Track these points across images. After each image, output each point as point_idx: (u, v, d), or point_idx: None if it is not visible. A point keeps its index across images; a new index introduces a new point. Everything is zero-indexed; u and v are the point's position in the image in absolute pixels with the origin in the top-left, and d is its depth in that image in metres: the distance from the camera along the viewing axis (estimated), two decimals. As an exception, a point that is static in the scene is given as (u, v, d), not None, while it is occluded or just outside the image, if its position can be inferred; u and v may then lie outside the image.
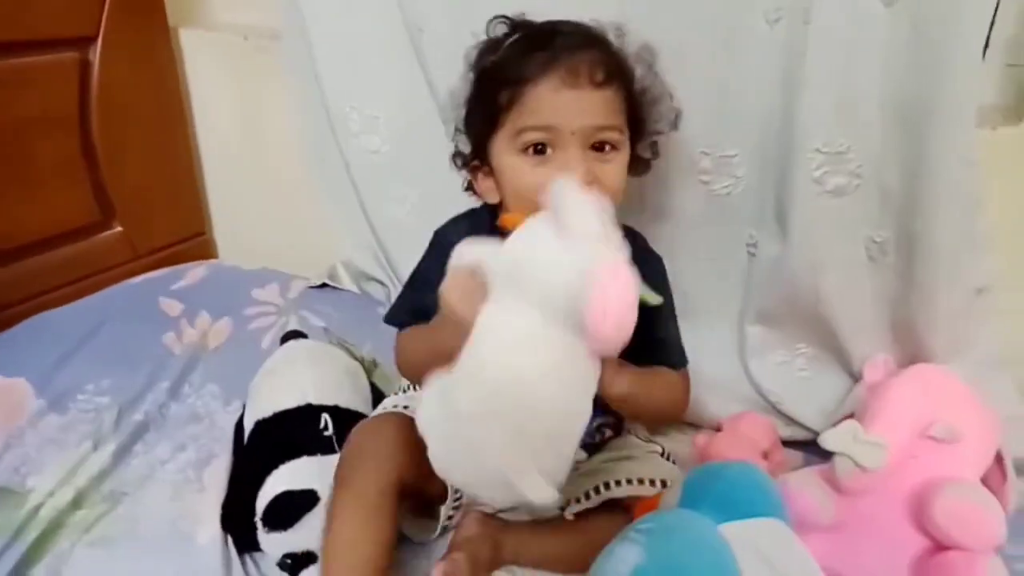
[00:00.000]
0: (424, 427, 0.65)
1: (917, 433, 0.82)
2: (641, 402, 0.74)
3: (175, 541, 0.83)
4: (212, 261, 1.47)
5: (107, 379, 1.06)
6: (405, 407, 0.85)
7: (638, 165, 0.84)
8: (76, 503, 0.87)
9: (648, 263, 0.85)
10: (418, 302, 0.81)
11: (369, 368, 1.11)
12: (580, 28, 0.79)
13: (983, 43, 0.79)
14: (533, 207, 0.66)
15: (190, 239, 1.50)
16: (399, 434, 0.76)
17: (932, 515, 0.74)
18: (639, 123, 0.81)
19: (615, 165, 0.77)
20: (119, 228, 1.36)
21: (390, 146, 1.19)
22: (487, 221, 0.84)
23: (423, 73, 1.11)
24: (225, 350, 1.16)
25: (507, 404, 0.63)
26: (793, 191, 0.91)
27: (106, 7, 1.24)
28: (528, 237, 0.65)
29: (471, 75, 0.82)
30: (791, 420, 1.04)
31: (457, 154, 0.87)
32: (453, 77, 1.03)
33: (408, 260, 1.24)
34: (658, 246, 1.03)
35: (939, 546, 0.76)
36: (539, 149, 0.75)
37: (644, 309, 0.72)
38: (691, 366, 1.07)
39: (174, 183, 1.45)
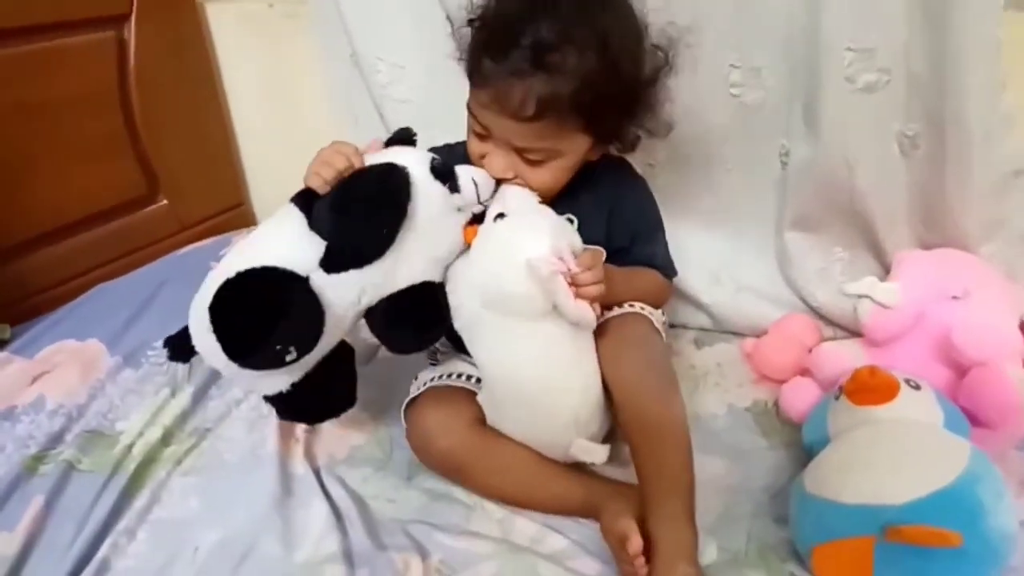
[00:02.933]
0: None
1: (936, 294, 0.87)
2: (624, 297, 0.85)
3: (258, 464, 0.88)
4: (254, 228, 1.52)
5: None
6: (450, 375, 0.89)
7: (622, 147, 0.85)
8: (165, 440, 0.92)
9: (630, 189, 0.91)
10: None
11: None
12: (543, 40, 0.72)
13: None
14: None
15: (230, 210, 1.54)
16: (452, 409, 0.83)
17: (952, 338, 0.80)
18: (608, 129, 0.81)
19: (544, 170, 0.79)
20: (164, 201, 1.40)
21: (417, 94, 1.22)
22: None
23: (444, 15, 1.13)
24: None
25: (521, 401, 0.77)
26: (825, 92, 0.93)
27: (136, -16, 1.29)
28: (476, 257, 0.76)
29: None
30: (831, 322, 1.07)
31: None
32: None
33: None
34: (692, 160, 1.07)
35: (964, 373, 0.80)
36: (479, 133, 0.80)
37: (629, 231, 0.89)
38: (732, 274, 1.12)
39: (212, 154, 1.49)
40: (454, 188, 0.76)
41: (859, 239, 1.04)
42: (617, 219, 0.88)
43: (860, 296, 0.85)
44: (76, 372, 1.02)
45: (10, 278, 1.18)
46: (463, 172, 0.77)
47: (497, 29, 0.76)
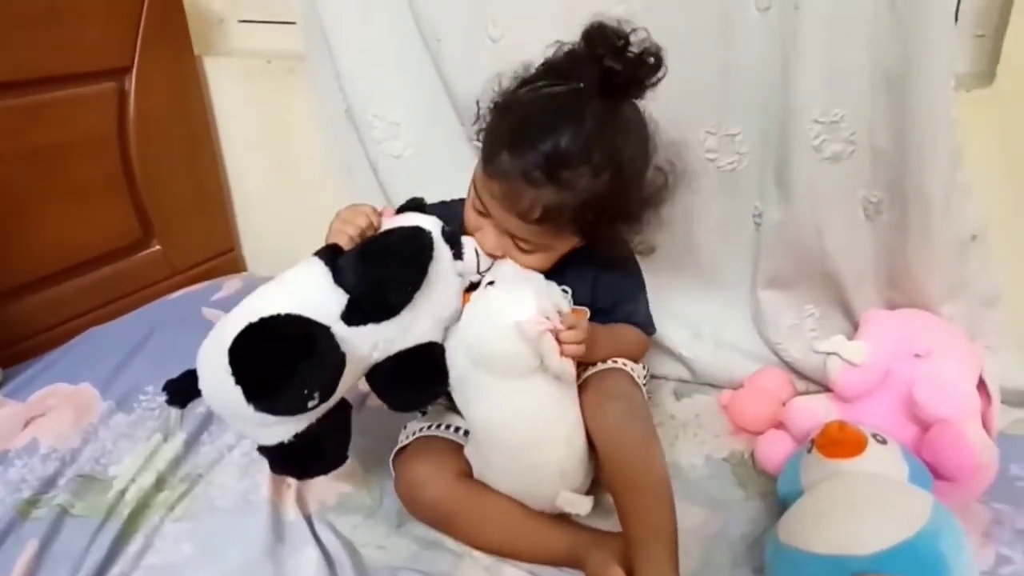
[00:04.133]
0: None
1: (901, 352, 0.92)
2: (606, 354, 0.90)
3: (250, 510, 0.90)
4: (245, 274, 1.55)
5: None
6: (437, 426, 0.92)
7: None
8: (158, 486, 0.93)
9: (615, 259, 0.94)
10: None
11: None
12: (561, 153, 0.76)
13: (954, 14, 0.89)
14: None
15: (221, 255, 1.57)
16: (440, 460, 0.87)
17: (914, 395, 0.85)
18: (599, 236, 0.85)
19: (533, 257, 0.85)
20: (157, 247, 1.43)
21: (412, 150, 1.27)
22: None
23: (440, 79, 1.20)
24: (271, 350, 1.23)
25: (507, 455, 0.82)
26: (794, 160, 1.00)
27: (139, 40, 1.33)
28: (468, 320, 0.80)
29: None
30: (804, 376, 1.12)
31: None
32: (470, 81, 1.14)
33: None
34: (671, 222, 1.12)
35: (928, 428, 0.85)
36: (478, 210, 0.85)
37: (613, 296, 0.95)
38: (712, 329, 1.17)
39: (205, 201, 1.53)
40: (458, 255, 0.81)
41: (828, 297, 1.10)
42: (602, 285, 0.93)
43: (829, 354, 0.90)
44: (69, 416, 1.03)
45: (3, 321, 1.20)
46: (468, 242, 0.83)
47: (519, 126, 0.80)
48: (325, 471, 0.82)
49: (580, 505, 0.81)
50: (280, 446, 0.75)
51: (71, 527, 0.86)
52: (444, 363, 0.81)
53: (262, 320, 0.69)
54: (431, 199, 1.30)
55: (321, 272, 0.76)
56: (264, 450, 0.78)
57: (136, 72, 1.34)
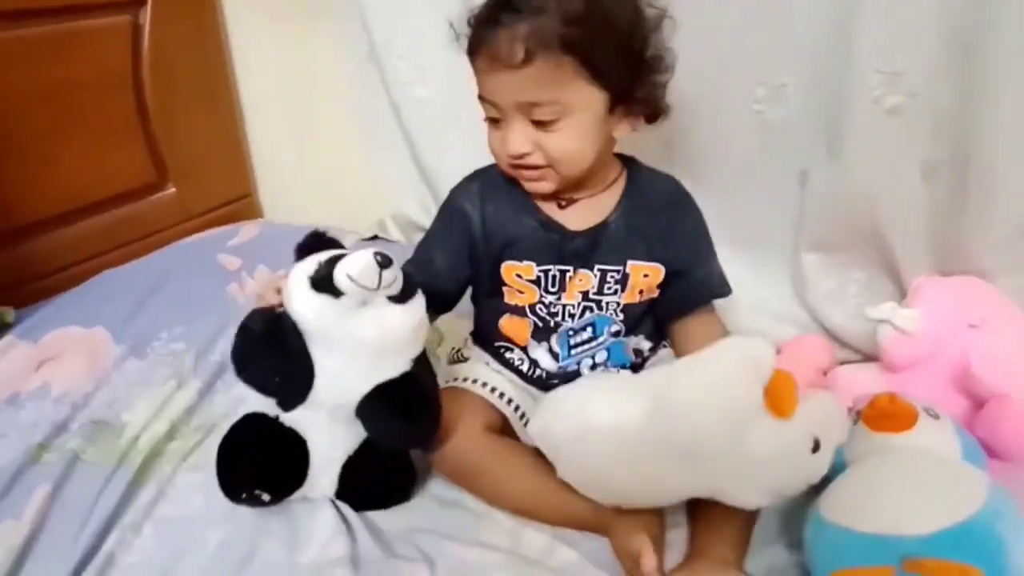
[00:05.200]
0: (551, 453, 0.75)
1: (954, 322, 0.87)
2: None
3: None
4: (262, 220, 1.51)
5: (179, 326, 1.10)
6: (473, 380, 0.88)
7: (638, 107, 0.80)
8: (170, 435, 0.90)
9: (685, 208, 0.89)
10: (425, 262, 0.87)
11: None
12: None
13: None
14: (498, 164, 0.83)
15: (237, 200, 1.53)
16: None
17: (971, 368, 0.80)
18: (613, 74, 0.77)
19: (559, 135, 0.77)
20: (172, 189, 1.39)
21: (438, 94, 1.22)
22: (502, 177, 0.86)
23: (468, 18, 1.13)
24: (288, 298, 1.19)
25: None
26: (851, 113, 0.93)
27: (153, -31, 1.27)
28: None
29: None
30: (845, 344, 1.07)
31: None
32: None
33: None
34: (713, 177, 1.07)
35: (982, 403, 0.81)
36: (492, 117, 0.80)
37: (689, 254, 0.87)
38: (746, 293, 1.11)
39: (221, 144, 1.48)
40: (337, 293, 0.72)
41: (876, 262, 1.04)
42: (677, 240, 0.86)
43: (880, 321, 0.85)
44: (82, 360, 1.00)
45: (15, 261, 1.17)
46: (339, 272, 0.72)
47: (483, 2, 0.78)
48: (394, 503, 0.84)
49: None
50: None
51: (82, 472, 0.83)
52: (415, 390, 0.76)
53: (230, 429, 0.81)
54: (455, 145, 1.26)
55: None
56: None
57: (152, 4, 1.28)
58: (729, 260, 1.10)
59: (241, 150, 1.52)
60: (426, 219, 1.35)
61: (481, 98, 0.80)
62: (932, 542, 0.62)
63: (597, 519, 0.77)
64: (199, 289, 1.19)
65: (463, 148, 1.24)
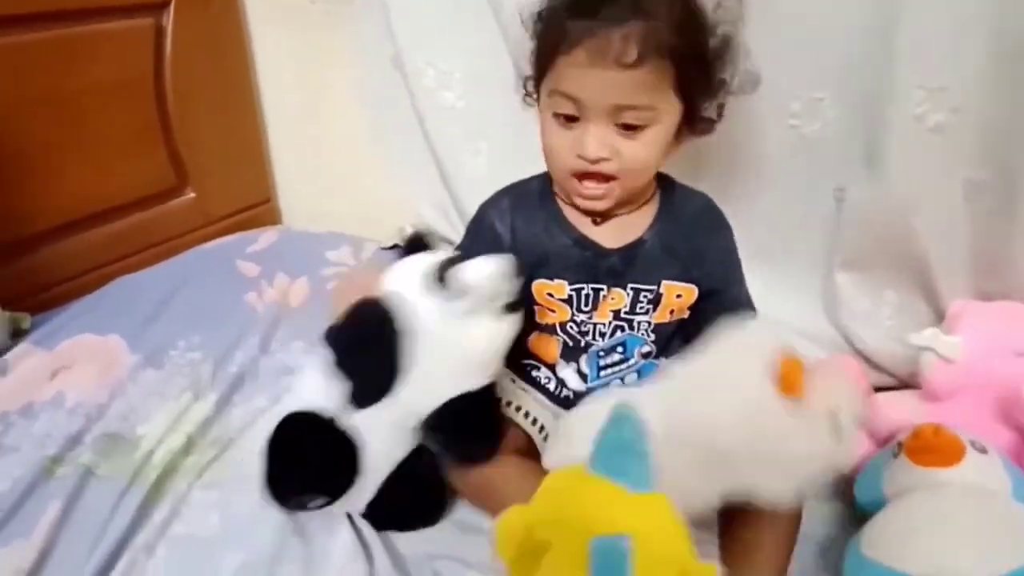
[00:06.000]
0: None
1: (1000, 349, 0.84)
2: None
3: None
4: (281, 226, 1.49)
5: (197, 336, 1.08)
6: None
7: (699, 125, 0.80)
8: (187, 449, 0.88)
9: (718, 227, 0.87)
10: None
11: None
12: None
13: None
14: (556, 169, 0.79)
15: (256, 206, 1.51)
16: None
17: (1021, 397, 0.77)
18: (698, 89, 0.76)
19: (640, 143, 0.74)
20: (192, 194, 1.37)
21: (465, 101, 1.20)
22: (534, 193, 0.84)
23: (498, 26, 1.11)
24: (306, 308, 1.17)
25: None
26: (890, 129, 0.90)
27: (178, -27, 1.26)
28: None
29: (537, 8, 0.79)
30: (877, 367, 1.04)
31: (527, 79, 0.84)
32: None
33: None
34: (745, 192, 1.03)
35: None
36: (568, 116, 0.75)
37: (722, 274, 0.85)
38: (776, 311, 1.08)
39: (241, 149, 1.46)
40: (454, 295, 0.71)
41: (913, 284, 1.00)
42: (711, 260, 0.84)
43: (922, 348, 0.82)
44: (96, 369, 0.98)
45: (32, 267, 1.15)
46: (469, 272, 0.71)
47: None
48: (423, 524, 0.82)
49: None
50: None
51: (95, 488, 0.81)
52: (486, 410, 0.77)
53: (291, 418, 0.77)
54: (479, 152, 1.24)
55: (317, 372, 0.77)
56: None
57: (175, 7, 1.26)
58: (759, 277, 1.08)
59: (261, 156, 1.51)
60: (447, 227, 1.34)
61: (560, 93, 0.74)
62: None
63: None
64: (217, 297, 1.18)
65: (487, 155, 1.23)
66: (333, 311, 0.76)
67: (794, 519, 0.71)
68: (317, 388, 0.76)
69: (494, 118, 1.16)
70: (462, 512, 0.82)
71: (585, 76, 0.72)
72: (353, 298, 0.74)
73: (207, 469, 0.86)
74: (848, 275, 1.03)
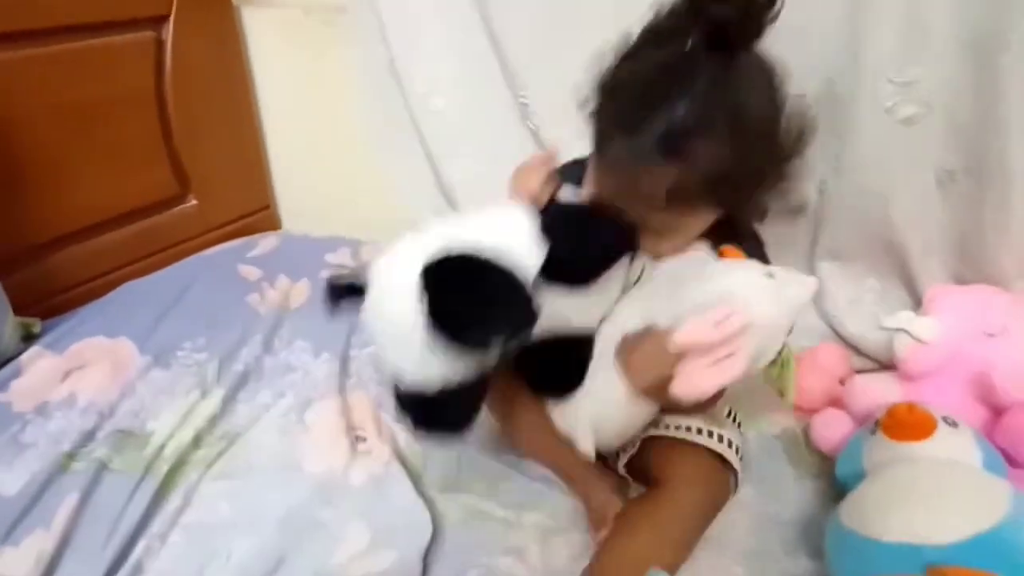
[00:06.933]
0: None
1: (972, 331, 0.87)
2: None
3: (288, 472, 0.88)
4: (281, 231, 1.53)
5: (202, 337, 1.11)
6: None
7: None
8: (196, 443, 0.92)
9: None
10: None
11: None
12: (677, 125, 0.65)
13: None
14: None
15: (257, 212, 1.55)
16: None
17: (992, 376, 0.81)
18: (738, 207, 0.75)
19: (664, 243, 0.76)
20: (194, 202, 1.41)
21: (453, 106, 1.23)
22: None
23: (486, 34, 1.15)
24: (307, 309, 1.21)
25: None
26: (864, 123, 0.94)
27: (176, -14, 1.30)
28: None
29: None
30: (861, 353, 1.08)
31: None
32: (518, 36, 1.08)
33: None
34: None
35: (1001, 412, 0.81)
36: None
37: None
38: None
39: (242, 157, 1.50)
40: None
41: (892, 271, 1.04)
42: None
43: (896, 330, 0.85)
44: (107, 370, 1.02)
45: (41, 273, 1.19)
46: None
47: (626, 105, 0.70)
48: (451, 432, 0.75)
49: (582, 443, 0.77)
50: (420, 393, 0.69)
51: (110, 481, 0.85)
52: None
53: (465, 250, 0.63)
54: (469, 155, 1.27)
55: (525, 219, 0.69)
56: (400, 393, 0.72)
57: (174, 20, 1.30)
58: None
59: (261, 163, 1.55)
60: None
61: (594, 177, 0.75)
62: (955, 551, 0.62)
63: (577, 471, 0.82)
64: (220, 300, 1.21)
65: (476, 157, 1.26)
66: (526, 183, 0.80)
67: (698, 501, 0.76)
68: (514, 238, 0.68)
69: (482, 122, 1.20)
70: (466, 496, 0.85)
71: (611, 189, 0.72)
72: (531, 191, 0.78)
73: (216, 461, 0.90)
74: (830, 264, 1.07)
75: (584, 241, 0.71)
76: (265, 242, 1.40)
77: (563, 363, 0.76)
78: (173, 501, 0.83)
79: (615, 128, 0.70)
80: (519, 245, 0.67)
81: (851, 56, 0.93)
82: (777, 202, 0.76)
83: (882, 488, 0.71)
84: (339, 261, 1.34)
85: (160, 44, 1.30)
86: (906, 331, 0.85)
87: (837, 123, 0.97)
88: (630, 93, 0.70)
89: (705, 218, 0.75)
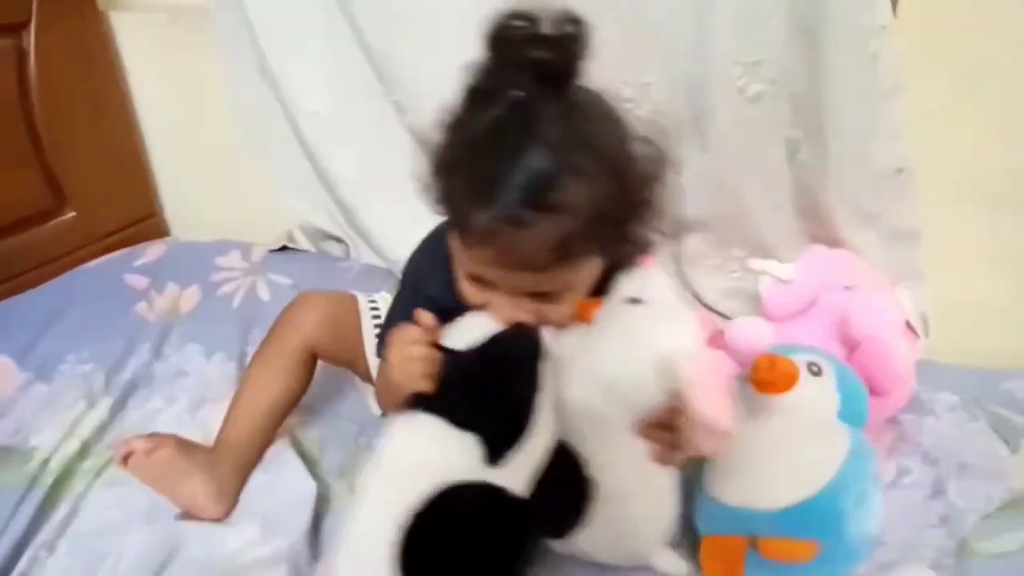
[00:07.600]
0: None
1: (830, 283, 0.99)
2: None
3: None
4: (168, 238, 1.50)
5: (86, 349, 1.09)
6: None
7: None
8: (83, 453, 0.91)
9: None
10: None
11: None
12: (540, 176, 0.61)
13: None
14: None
15: (142, 221, 1.51)
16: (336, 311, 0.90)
17: (847, 314, 0.91)
18: (621, 248, 0.71)
19: (564, 306, 0.70)
20: (72, 213, 1.37)
21: (328, 107, 1.24)
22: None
23: (353, 34, 1.16)
24: (198, 313, 1.19)
25: (617, 504, 0.71)
26: (715, 103, 1.01)
27: (36, -7, 1.25)
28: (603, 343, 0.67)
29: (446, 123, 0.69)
30: (724, 317, 1.16)
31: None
32: (386, 36, 1.10)
33: (363, 212, 1.31)
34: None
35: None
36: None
37: None
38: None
39: (121, 166, 1.46)
40: None
41: (752, 238, 1.12)
42: None
43: (760, 272, 0.95)
44: (-16, 390, 0.99)
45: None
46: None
47: (474, 174, 0.64)
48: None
49: (679, 567, 0.75)
50: None
51: (-7, 499, 0.83)
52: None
53: (417, 515, 0.60)
54: (350, 155, 1.28)
55: (436, 426, 0.64)
56: None
57: (35, 28, 1.26)
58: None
59: (142, 170, 1.51)
60: (333, 227, 1.38)
61: (467, 270, 0.70)
62: (778, 518, 0.69)
63: None
64: (105, 310, 1.18)
65: (358, 156, 1.27)
66: (406, 381, 0.66)
67: None
68: (441, 455, 0.63)
69: (357, 122, 1.22)
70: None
71: (491, 271, 0.67)
72: (421, 363, 0.66)
73: (104, 470, 0.89)
74: (697, 235, 1.15)
75: (503, 404, 0.64)
76: (152, 250, 1.37)
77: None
78: (60, 512, 0.82)
79: (472, 201, 0.63)
80: (451, 462, 0.63)
81: (700, 40, 1.00)
82: (656, 225, 0.73)
83: (733, 448, 0.72)
84: (230, 264, 1.32)
85: (22, 52, 1.26)
86: (767, 272, 0.95)
87: (691, 105, 1.04)
88: (476, 159, 0.65)
89: (593, 268, 0.71)
